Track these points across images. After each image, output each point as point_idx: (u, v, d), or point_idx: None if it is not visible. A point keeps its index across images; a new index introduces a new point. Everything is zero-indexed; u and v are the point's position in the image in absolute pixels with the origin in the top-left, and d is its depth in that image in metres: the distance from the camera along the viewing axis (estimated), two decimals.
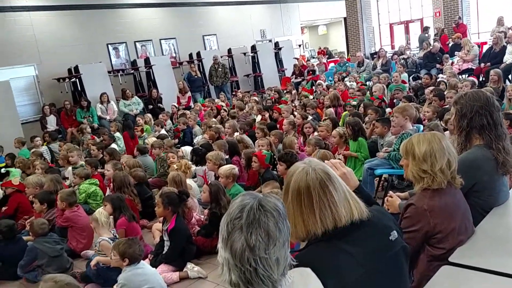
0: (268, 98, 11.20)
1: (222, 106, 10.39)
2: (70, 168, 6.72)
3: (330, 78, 13.26)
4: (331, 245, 1.58)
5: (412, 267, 2.26)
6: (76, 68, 11.03)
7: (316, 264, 1.50)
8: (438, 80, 8.79)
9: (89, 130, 9.39)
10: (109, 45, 12.52)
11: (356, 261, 1.56)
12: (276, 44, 15.36)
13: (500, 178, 2.55)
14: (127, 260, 3.18)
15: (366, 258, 1.58)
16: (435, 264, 2.14)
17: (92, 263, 3.85)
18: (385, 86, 8.99)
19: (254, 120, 8.40)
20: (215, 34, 14.88)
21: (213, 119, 8.97)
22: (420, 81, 9.38)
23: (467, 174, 2.37)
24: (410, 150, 2.26)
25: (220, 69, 12.69)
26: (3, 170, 7.19)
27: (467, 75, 10.16)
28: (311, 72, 13.68)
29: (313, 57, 18.84)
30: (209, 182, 4.70)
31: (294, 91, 11.41)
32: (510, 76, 9.17)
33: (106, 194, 5.54)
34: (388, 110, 7.16)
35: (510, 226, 2.44)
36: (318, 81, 11.86)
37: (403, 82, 9.73)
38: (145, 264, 3.35)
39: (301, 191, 1.59)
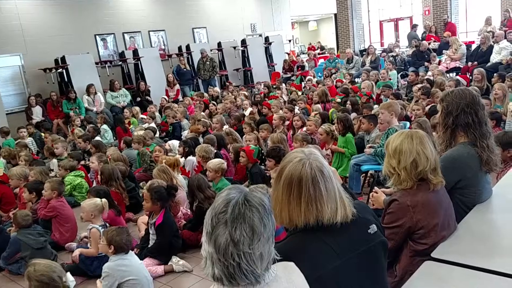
0: (257, 93, 11.19)
1: (210, 100, 10.34)
2: (55, 160, 6.64)
3: (319, 74, 13.30)
4: (310, 235, 1.60)
5: (395, 262, 2.29)
6: (63, 58, 10.86)
7: (292, 253, 1.53)
8: (425, 78, 8.88)
9: (78, 122, 9.25)
10: (97, 36, 12.34)
11: (333, 252, 1.58)
12: (266, 38, 15.31)
13: (483, 175, 2.58)
14: (113, 247, 3.17)
15: (343, 249, 1.60)
16: (417, 259, 2.16)
17: (75, 253, 3.83)
18: (373, 83, 9.04)
19: (243, 115, 8.38)
20: (205, 27, 14.75)
21: (202, 113, 8.94)
22: (407, 79, 9.46)
23: (451, 171, 2.40)
24: (387, 145, 2.31)
25: (208, 63, 12.62)
26: None
27: (454, 74, 10.28)
28: (300, 68, 13.70)
29: (303, 53, 18.84)
30: (190, 176, 4.69)
31: (282, 86, 11.42)
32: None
33: (92, 186, 5.49)
34: (375, 107, 7.19)
35: (492, 223, 2.47)
36: (308, 77, 11.89)
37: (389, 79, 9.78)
38: (133, 255, 3.33)
39: (292, 182, 1.59)
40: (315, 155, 1.65)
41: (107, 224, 3.99)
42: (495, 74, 8.03)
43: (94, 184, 5.74)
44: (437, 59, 11.20)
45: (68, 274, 2.72)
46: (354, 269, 1.61)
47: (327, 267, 1.55)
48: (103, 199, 4.01)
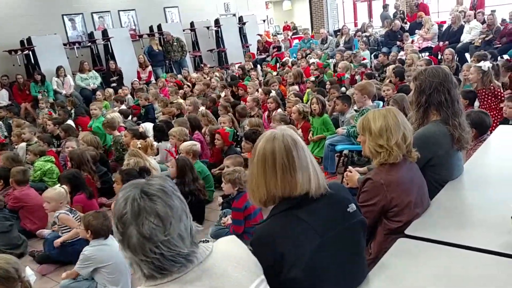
0: (233, 74, 11.04)
1: (183, 82, 10.15)
2: (23, 144, 6.40)
3: (294, 54, 13.23)
4: (290, 215, 1.59)
5: (370, 240, 2.31)
6: (29, 39, 10.45)
7: (275, 234, 1.54)
8: (396, 58, 8.96)
9: (43, 105, 8.89)
10: (64, 16, 11.90)
11: (314, 231, 1.57)
12: (240, 18, 15.09)
13: (455, 153, 2.62)
14: (90, 232, 3.11)
15: (323, 228, 1.60)
16: (392, 237, 2.18)
17: (58, 241, 3.71)
18: (350, 64, 9.07)
19: (219, 96, 8.28)
20: (177, 7, 14.38)
21: (177, 96, 8.78)
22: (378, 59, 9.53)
23: (423, 149, 2.41)
24: (366, 126, 2.28)
25: (175, 43, 12.36)
26: None
27: (426, 54, 10.39)
28: (276, 48, 13.58)
29: (278, 33, 18.69)
30: (177, 157, 4.60)
31: (257, 67, 11.33)
32: (467, 55, 9.43)
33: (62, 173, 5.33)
34: (343, 89, 7.23)
35: (464, 199, 2.52)
36: (285, 59, 11.79)
37: (363, 59, 9.85)
38: (113, 240, 3.26)
39: (266, 153, 1.61)
40: (288, 130, 1.67)
41: (72, 209, 3.88)
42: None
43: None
44: (410, 39, 11.30)
45: (27, 268, 2.57)
46: (334, 248, 1.61)
47: (309, 247, 1.55)
48: (63, 186, 3.89)
